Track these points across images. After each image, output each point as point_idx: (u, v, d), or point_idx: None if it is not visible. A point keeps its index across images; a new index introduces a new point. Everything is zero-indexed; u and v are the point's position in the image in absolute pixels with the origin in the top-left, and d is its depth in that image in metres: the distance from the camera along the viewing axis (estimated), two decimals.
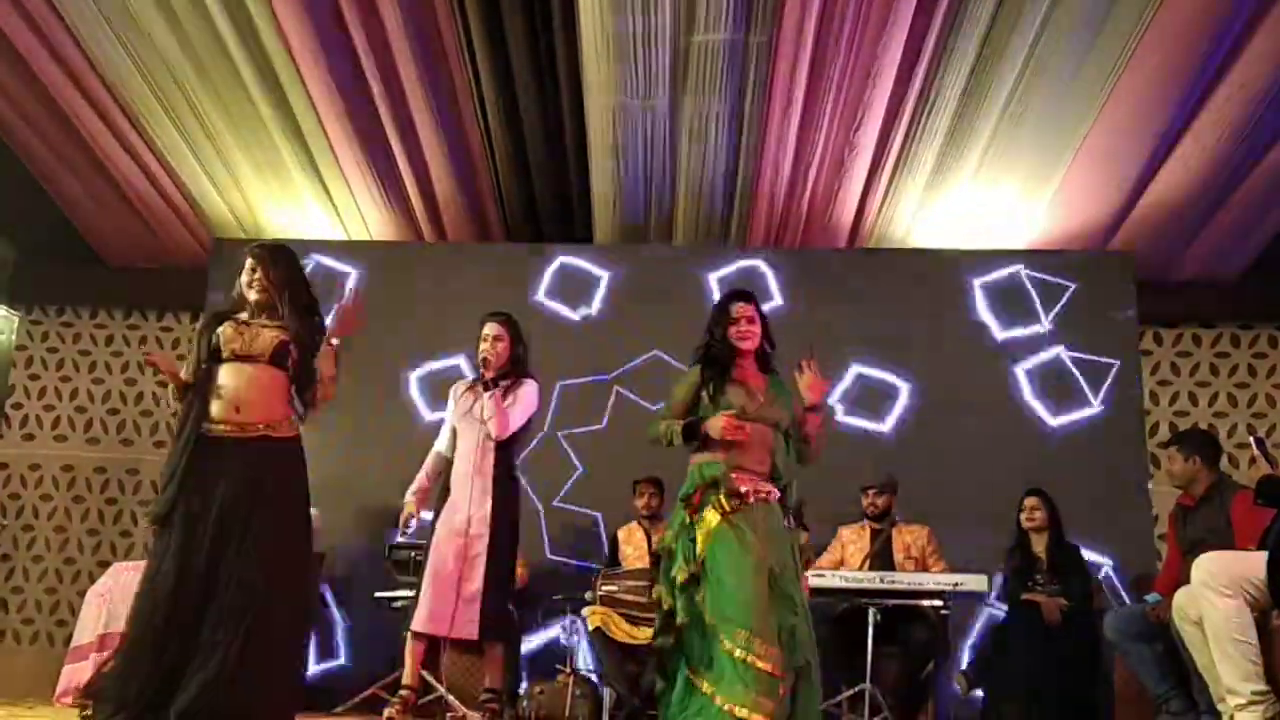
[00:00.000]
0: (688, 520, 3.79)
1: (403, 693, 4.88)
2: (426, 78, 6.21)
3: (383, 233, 7.49)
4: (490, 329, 5.07)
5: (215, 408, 3.77)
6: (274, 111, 6.52)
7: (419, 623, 4.84)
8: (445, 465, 5.09)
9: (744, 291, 4.12)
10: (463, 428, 5.06)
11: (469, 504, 4.88)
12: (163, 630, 3.55)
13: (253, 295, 3.92)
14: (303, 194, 7.18)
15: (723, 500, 3.75)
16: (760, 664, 3.53)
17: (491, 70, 6.14)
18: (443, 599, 4.81)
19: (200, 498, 3.67)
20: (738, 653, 3.54)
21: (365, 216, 7.36)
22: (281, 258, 3.99)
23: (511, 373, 5.04)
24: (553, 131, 6.60)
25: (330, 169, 6.92)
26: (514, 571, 5.17)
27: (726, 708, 3.49)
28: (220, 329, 3.85)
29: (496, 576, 4.87)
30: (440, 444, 5.18)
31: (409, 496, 5.10)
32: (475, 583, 4.81)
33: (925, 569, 5.75)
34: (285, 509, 3.78)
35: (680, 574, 3.72)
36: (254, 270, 3.94)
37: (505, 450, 4.99)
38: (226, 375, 3.80)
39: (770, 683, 3.53)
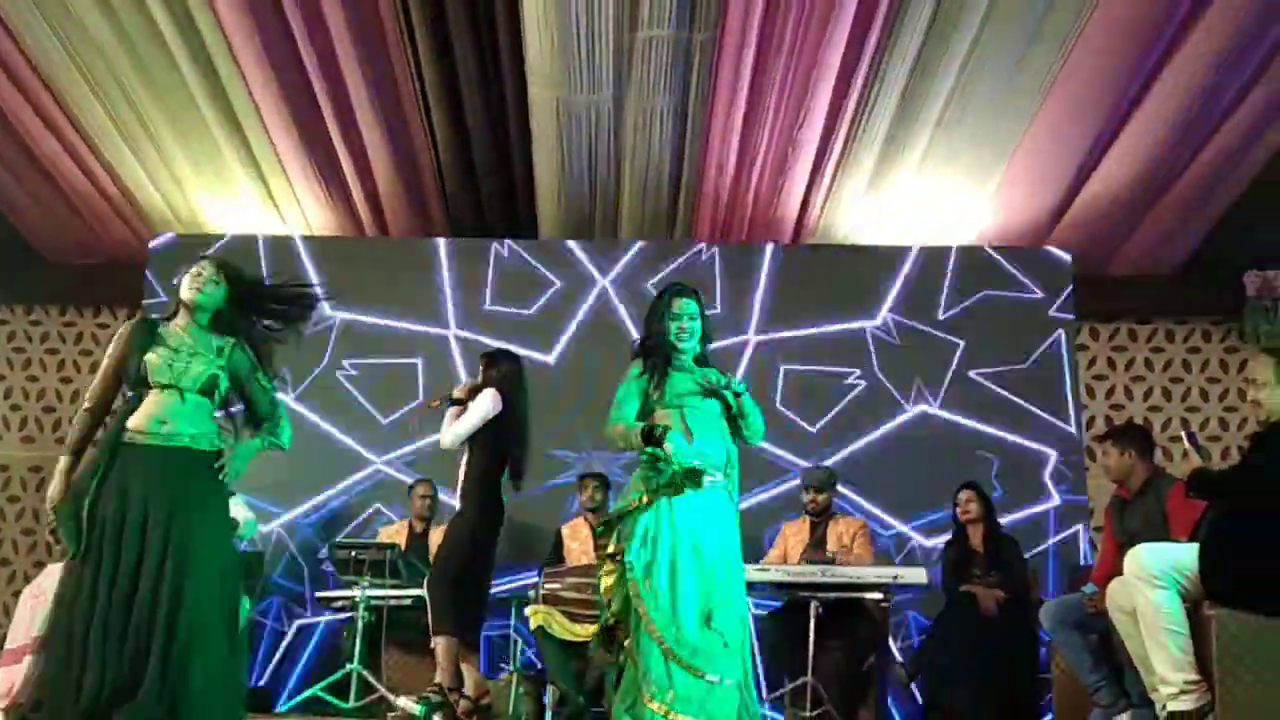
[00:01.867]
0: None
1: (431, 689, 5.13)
2: (368, 70, 6.15)
3: (323, 227, 7.41)
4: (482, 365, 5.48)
5: (138, 419, 3.74)
6: (212, 104, 6.42)
7: None
8: None
9: (687, 287, 4.04)
10: None
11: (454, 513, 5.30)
12: (89, 640, 3.51)
13: (189, 295, 3.87)
14: (241, 188, 7.08)
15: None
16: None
17: (434, 62, 6.09)
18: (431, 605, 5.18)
19: (122, 505, 3.64)
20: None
21: (305, 210, 7.28)
22: (233, 277, 3.99)
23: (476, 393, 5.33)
24: (497, 125, 6.57)
25: (270, 162, 6.82)
26: (467, 570, 5.17)
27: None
28: (147, 357, 3.78)
29: (441, 574, 5.10)
30: None
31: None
32: (464, 589, 5.16)
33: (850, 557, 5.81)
34: (208, 516, 3.79)
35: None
36: (202, 276, 3.90)
37: (474, 459, 5.21)
38: (152, 401, 3.77)
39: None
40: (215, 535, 3.80)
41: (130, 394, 3.79)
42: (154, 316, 4.00)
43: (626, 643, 3.73)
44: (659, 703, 3.53)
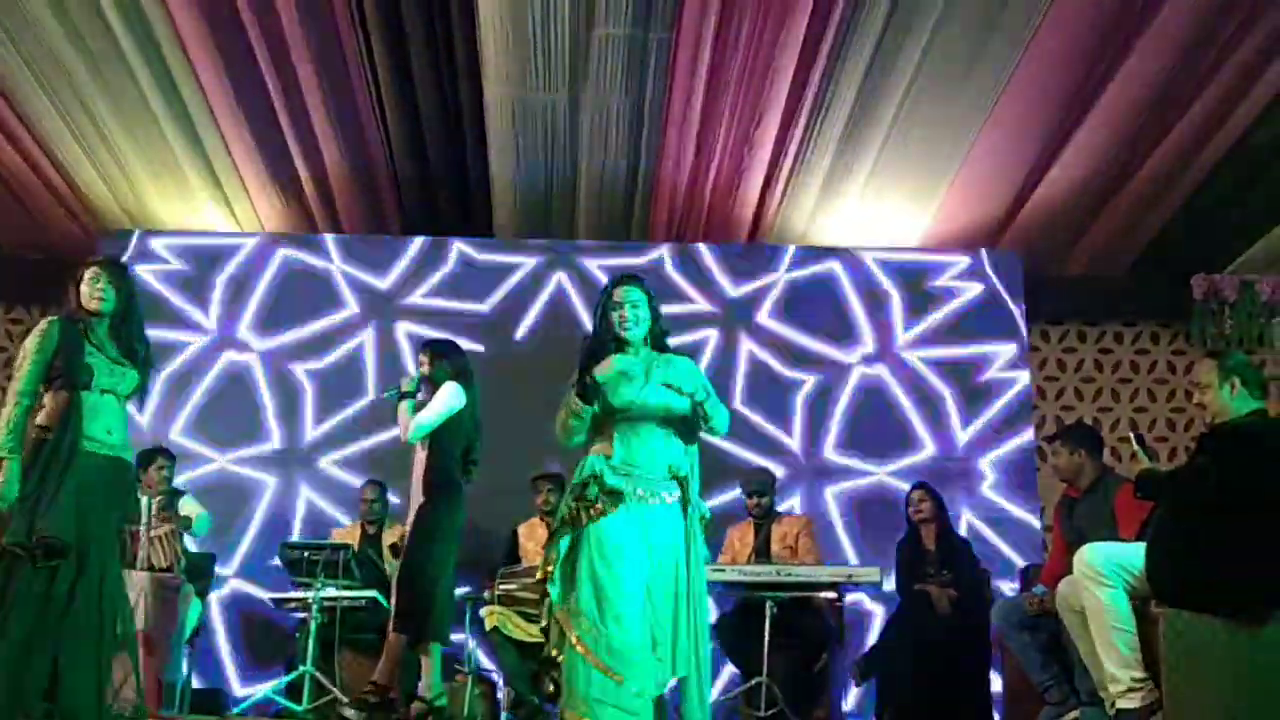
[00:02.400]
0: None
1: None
2: (321, 65, 6.08)
3: (276, 224, 7.33)
4: (420, 357, 5.38)
5: (89, 427, 3.86)
6: (163, 99, 6.31)
7: None
8: None
9: (627, 275, 3.86)
10: None
11: (411, 511, 5.13)
12: (32, 650, 3.58)
13: (93, 305, 4.01)
14: (192, 183, 6.97)
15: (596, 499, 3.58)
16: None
17: (389, 59, 6.04)
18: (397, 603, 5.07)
19: (74, 516, 3.74)
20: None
21: (257, 206, 7.19)
22: (129, 279, 4.18)
23: (434, 391, 5.20)
24: (452, 123, 6.52)
25: (220, 157, 6.73)
26: (426, 570, 5.11)
27: None
28: (90, 360, 3.91)
29: (405, 575, 5.01)
30: None
31: None
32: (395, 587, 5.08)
33: (796, 555, 5.83)
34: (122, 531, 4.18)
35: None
36: (106, 282, 4.05)
37: (433, 455, 5.10)
38: (96, 405, 3.90)
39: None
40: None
41: (63, 395, 3.83)
42: (60, 317, 4.02)
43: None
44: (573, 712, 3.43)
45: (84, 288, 4.00)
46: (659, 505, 3.62)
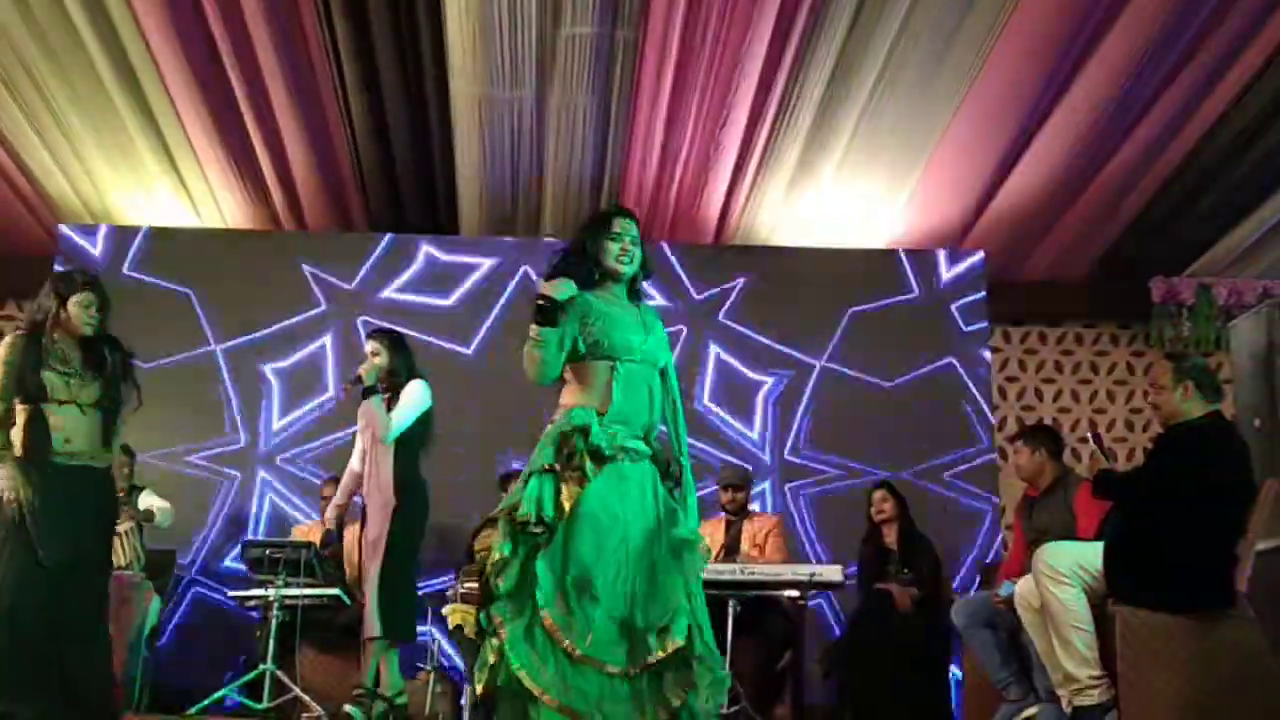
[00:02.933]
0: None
1: (356, 691, 5.04)
2: (285, 60, 6.03)
3: (239, 221, 7.27)
4: (369, 345, 5.24)
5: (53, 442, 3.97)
6: (124, 93, 6.23)
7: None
8: (358, 480, 5.23)
9: (627, 209, 3.56)
10: (362, 442, 5.22)
11: (379, 514, 5.00)
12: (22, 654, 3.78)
13: (87, 331, 4.07)
14: (154, 178, 6.90)
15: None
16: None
17: (354, 55, 6.00)
18: (369, 604, 4.96)
19: (51, 525, 3.89)
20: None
21: (220, 203, 7.13)
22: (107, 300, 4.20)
23: (393, 384, 5.13)
24: (417, 120, 6.49)
25: (183, 152, 6.66)
26: (407, 571, 5.11)
27: None
28: (45, 374, 3.96)
29: (387, 577, 4.94)
30: (354, 461, 5.29)
31: (330, 513, 5.44)
32: (375, 586, 4.94)
33: (764, 554, 5.85)
34: (107, 532, 4.27)
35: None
36: (98, 309, 4.11)
37: (401, 455, 5.04)
38: (56, 418, 3.98)
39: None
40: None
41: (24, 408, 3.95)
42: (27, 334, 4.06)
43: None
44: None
45: (73, 309, 4.06)
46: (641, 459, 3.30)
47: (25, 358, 3.95)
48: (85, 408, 4.02)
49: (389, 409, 5.05)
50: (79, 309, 4.05)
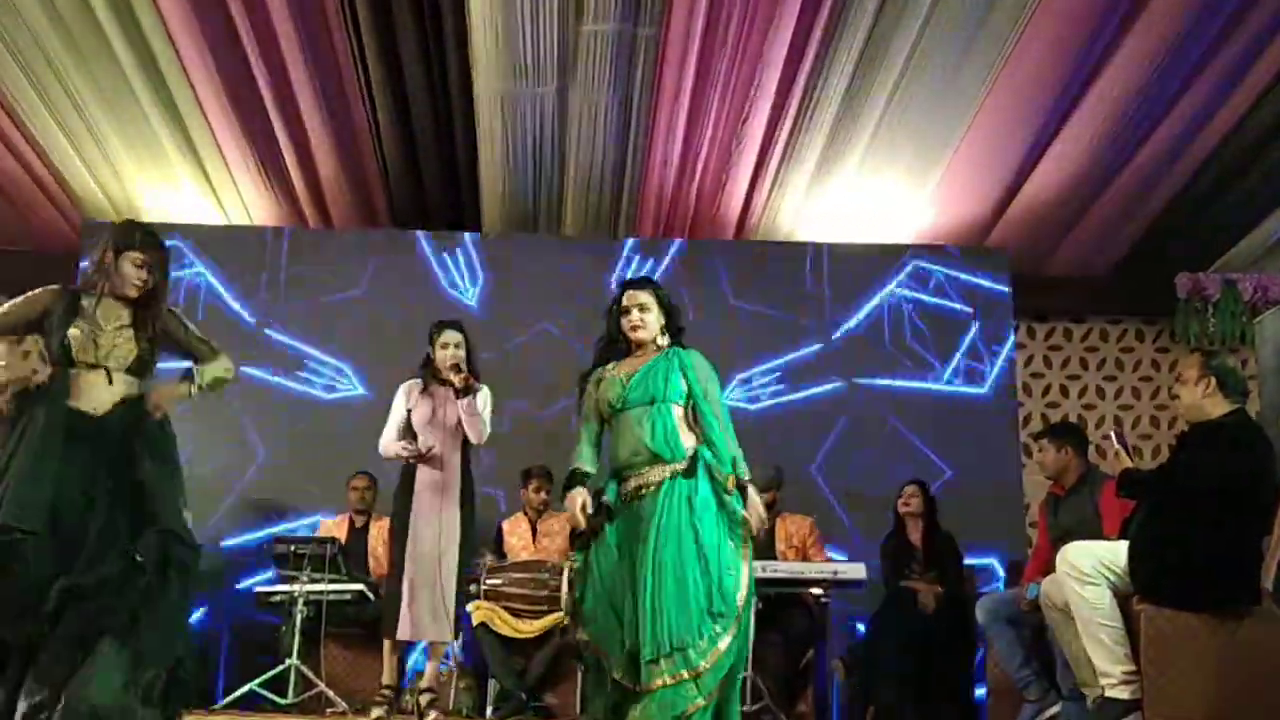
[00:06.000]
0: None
1: (385, 692, 4.95)
2: (310, 56, 6.05)
3: (264, 217, 7.32)
4: (451, 336, 4.95)
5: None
6: (149, 88, 6.26)
7: (404, 632, 4.82)
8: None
9: (638, 279, 3.97)
10: (426, 434, 4.94)
11: (440, 512, 4.84)
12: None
13: (132, 293, 3.66)
14: (179, 175, 6.95)
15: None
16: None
17: (378, 51, 6.02)
18: (423, 606, 4.78)
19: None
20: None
21: (245, 200, 7.17)
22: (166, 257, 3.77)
23: (470, 383, 4.89)
24: (441, 116, 6.51)
25: (208, 149, 6.70)
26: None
27: None
28: (70, 331, 3.55)
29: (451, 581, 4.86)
30: (391, 443, 4.98)
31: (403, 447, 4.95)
32: (452, 588, 4.81)
33: (806, 558, 5.85)
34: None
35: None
36: (148, 268, 3.66)
37: (466, 460, 4.97)
38: (80, 383, 3.55)
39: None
40: None
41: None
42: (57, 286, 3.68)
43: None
44: None
45: (126, 269, 3.64)
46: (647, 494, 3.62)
47: (44, 310, 3.59)
48: (113, 374, 3.57)
49: (475, 407, 4.88)
50: (131, 267, 3.64)
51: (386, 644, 4.97)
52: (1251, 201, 6.76)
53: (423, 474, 4.91)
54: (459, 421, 4.88)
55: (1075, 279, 7.58)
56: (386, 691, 4.97)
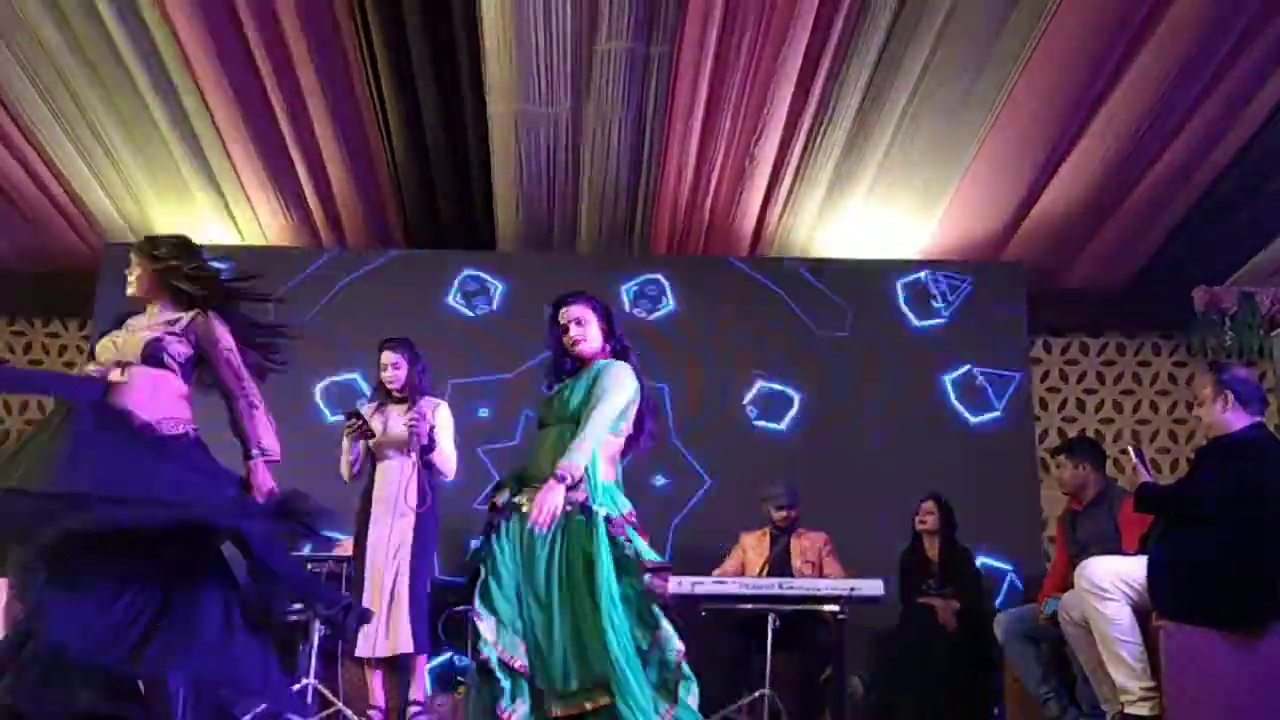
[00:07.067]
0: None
1: (371, 713, 4.98)
2: (325, 79, 6.10)
3: (279, 238, 7.36)
4: (386, 357, 5.16)
5: None
6: (166, 112, 6.32)
7: (362, 649, 4.86)
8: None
9: (570, 293, 3.85)
10: (380, 449, 5.11)
11: (391, 524, 4.95)
12: None
13: (129, 291, 3.79)
14: (196, 197, 7.01)
15: None
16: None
17: (392, 73, 6.06)
18: (379, 620, 4.82)
19: None
20: None
21: (261, 221, 7.22)
22: (162, 244, 3.87)
23: (414, 394, 5.12)
24: (455, 136, 6.55)
25: (224, 171, 6.76)
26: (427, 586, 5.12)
27: None
28: (102, 341, 3.65)
29: (420, 592, 4.93)
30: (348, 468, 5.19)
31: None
32: (405, 600, 4.87)
33: (822, 574, 5.82)
34: None
35: None
36: (130, 267, 3.82)
37: (427, 469, 5.06)
38: (114, 389, 3.53)
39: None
40: None
41: None
42: None
43: None
44: None
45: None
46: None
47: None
48: (125, 368, 3.53)
49: (428, 418, 5.06)
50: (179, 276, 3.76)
51: (365, 665, 4.99)
52: (1269, 213, 6.72)
53: (377, 489, 5.05)
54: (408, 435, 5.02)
55: (1091, 293, 7.55)
56: (372, 713, 4.99)
